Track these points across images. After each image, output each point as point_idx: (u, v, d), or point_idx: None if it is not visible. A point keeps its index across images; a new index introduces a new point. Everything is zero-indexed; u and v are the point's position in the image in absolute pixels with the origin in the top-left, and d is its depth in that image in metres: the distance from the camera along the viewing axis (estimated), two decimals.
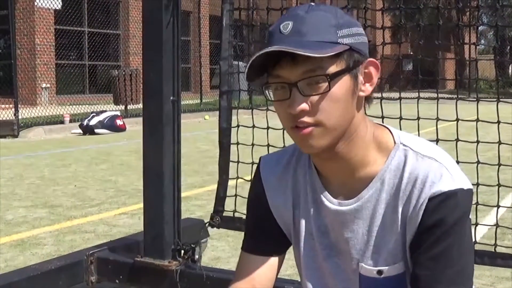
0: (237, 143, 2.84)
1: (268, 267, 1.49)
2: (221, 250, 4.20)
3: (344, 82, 1.27)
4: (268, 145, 2.71)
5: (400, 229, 1.33)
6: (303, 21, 1.25)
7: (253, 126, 2.87)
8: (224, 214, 2.87)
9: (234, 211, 2.81)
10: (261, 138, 2.86)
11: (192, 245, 2.77)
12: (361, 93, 1.32)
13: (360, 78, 1.31)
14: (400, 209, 1.32)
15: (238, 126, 2.85)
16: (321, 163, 1.39)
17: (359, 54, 1.29)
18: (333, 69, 1.26)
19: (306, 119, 1.26)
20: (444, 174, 1.29)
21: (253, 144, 2.82)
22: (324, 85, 1.25)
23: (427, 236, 1.29)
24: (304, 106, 1.25)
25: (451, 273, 1.28)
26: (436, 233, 1.28)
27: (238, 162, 2.83)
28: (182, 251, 2.76)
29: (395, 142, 1.36)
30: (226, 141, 2.82)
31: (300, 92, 1.25)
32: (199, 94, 20.74)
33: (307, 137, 1.27)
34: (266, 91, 1.32)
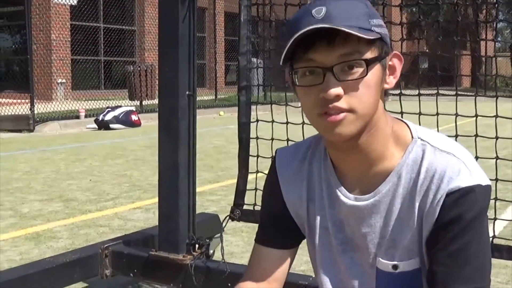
0: (256, 137, 2.85)
1: (281, 260, 1.49)
2: (235, 245, 4.20)
3: (376, 70, 1.26)
4: (288, 140, 2.71)
5: (417, 224, 1.32)
6: (336, 7, 1.23)
7: (272, 121, 2.87)
8: (243, 208, 2.89)
9: (254, 204, 2.82)
10: (275, 134, 2.86)
11: (206, 240, 2.78)
12: (386, 85, 1.31)
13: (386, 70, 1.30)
14: (417, 204, 1.31)
15: (257, 120, 2.86)
16: (338, 156, 1.37)
17: (387, 46, 1.29)
18: (369, 55, 1.24)
19: (339, 104, 1.24)
20: (463, 170, 1.27)
21: (272, 139, 2.82)
22: (360, 70, 1.24)
23: (444, 232, 1.27)
24: (339, 90, 1.23)
25: (469, 270, 1.26)
26: (454, 229, 1.26)
27: (257, 156, 2.84)
28: (197, 246, 2.77)
29: (412, 137, 1.34)
30: (246, 136, 2.83)
31: (335, 77, 1.23)
32: (214, 90, 20.74)
33: (336, 124, 1.24)
34: (294, 77, 1.28)
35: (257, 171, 2.80)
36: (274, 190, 1.49)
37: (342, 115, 1.24)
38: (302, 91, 1.28)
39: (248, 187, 2.89)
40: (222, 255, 2.63)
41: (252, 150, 2.86)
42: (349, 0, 1.26)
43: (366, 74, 1.24)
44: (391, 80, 1.32)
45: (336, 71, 1.23)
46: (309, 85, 1.26)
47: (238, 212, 2.87)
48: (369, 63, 1.24)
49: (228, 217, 2.85)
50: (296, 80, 1.28)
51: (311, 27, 1.20)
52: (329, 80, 1.23)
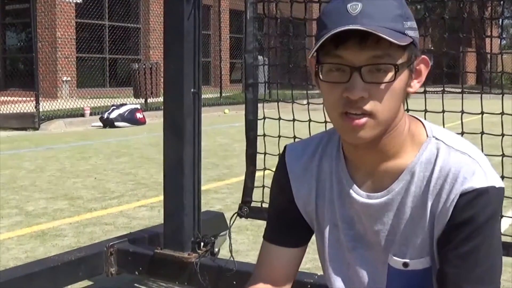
0: (264, 135, 2.85)
1: (290, 258, 1.49)
2: (241, 243, 4.20)
3: (404, 76, 1.25)
4: (295, 137, 2.70)
5: (428, 223, 1.31)
6: (372, 5, 1.20)
7: (279, 119, 2.87)
8: (251, 205, 2.89)
9: (262, 201, 2.82)
10: (282, 132, 2.85)
11: (211, 238, 2.78)
12: (409, 89, 1.29)
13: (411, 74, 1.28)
14: (429, 203, 1.30)
15: (264, 118, 2.86)
16: (355, 153, 1.35)
17: (416, 49, 1.27)
18: (399, 60, 1.22)
19: (362, 106, 1.21)
20: (477, 171, 1.26)
21: (279, 136, 2.81)
22: (388, 74, 1.21)
23: (456, 233, 1.26)
24: (364, 93, 1.21)
25: (480, 272, 1.25)
26: (466, 230, 1.25)
27: (264, 153, 2.84)
28: (202, 244, 2.77)
29: (427, 135, 1.33)
30: (253, 133, 2.84)
31: (362, 78, 1.21)
32: (219, 88, 20.75)
33: (358, 128, 1.23)
34: (319, 71, 1.25)
35: (265, 168, 2.79)
36: (283, 187, 1.48)
37: (364, 120, 1.22)
38: (326, 87, 1.26)
39: (255, 184, 2.89)
40: (231, 251, 2.63)
41: (259, 147, 2.86)
42: None
43: (395, 79, 1.22)
44: (415, 85, 1.30)
45: (364, 72, 1.20)
46: (334, 82, 1.24)
47: (246, 209, 2.87)
48: (399, 69, 1.22)
49: (236, 215, 2.85)
50: (321, 74, 1.25)
51: (345, 27, 1.17)
52: (356, 80, 1.21)
